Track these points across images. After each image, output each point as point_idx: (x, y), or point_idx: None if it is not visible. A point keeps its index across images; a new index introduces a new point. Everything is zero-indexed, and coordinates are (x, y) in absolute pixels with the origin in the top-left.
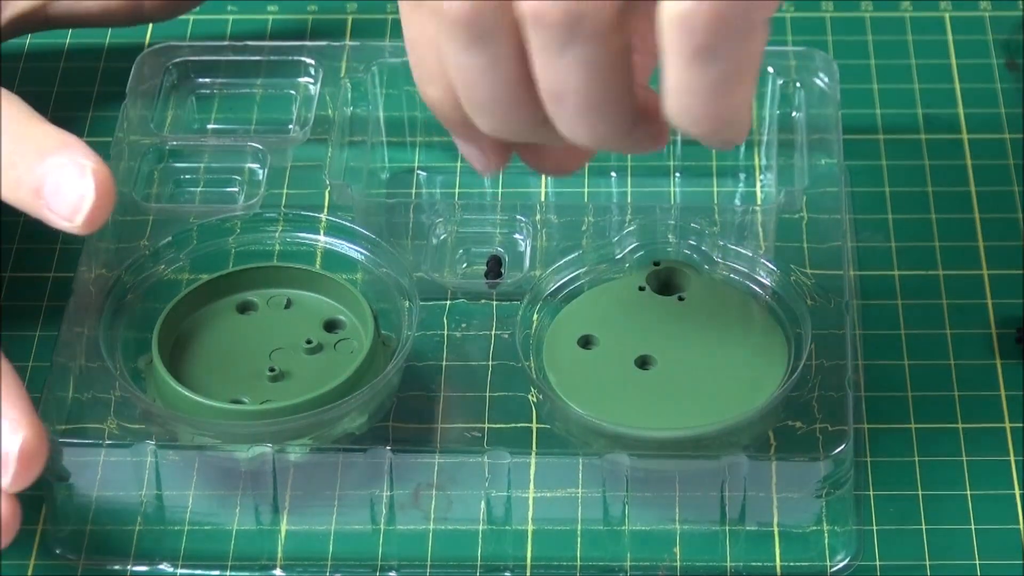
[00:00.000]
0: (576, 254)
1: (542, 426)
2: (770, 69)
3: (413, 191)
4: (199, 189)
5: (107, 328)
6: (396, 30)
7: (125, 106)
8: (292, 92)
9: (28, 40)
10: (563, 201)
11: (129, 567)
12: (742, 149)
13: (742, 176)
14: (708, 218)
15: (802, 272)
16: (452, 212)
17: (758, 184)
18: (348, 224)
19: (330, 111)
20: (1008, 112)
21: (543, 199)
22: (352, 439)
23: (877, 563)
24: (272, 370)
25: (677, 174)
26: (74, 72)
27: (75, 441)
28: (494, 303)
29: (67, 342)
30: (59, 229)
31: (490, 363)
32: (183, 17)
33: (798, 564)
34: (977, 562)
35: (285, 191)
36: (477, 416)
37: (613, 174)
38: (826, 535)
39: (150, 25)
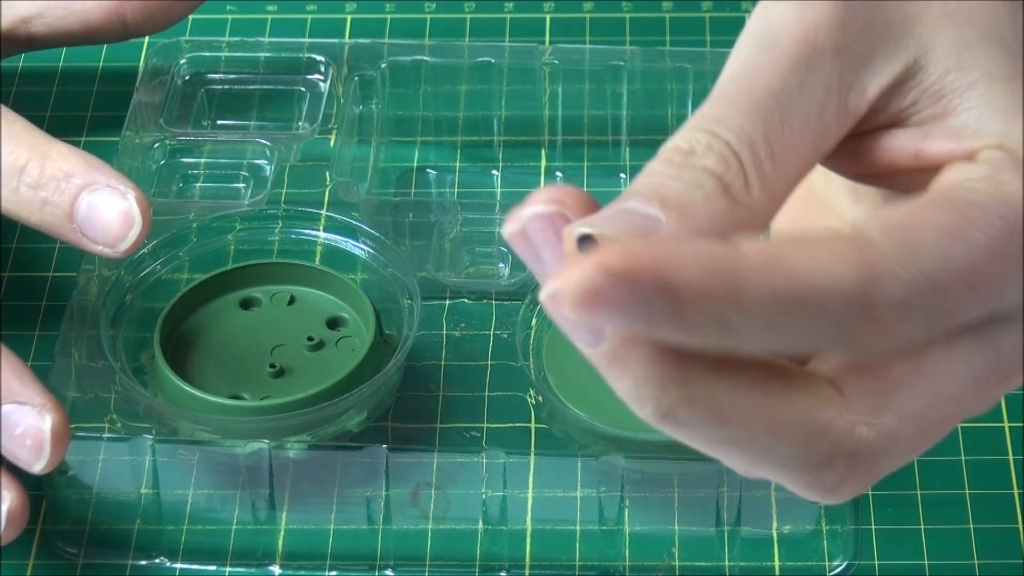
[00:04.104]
0: None
1: (541, 426)
2: None
3: (413, 190)
4: (206, 185)
5: (108, 327)
6: (396, 30)
7: (134, 102)
8: (301, 89)
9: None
10: None
11: (128, 562)
12: None
13: None
14: None
15: None
16: (457, 211)
17: None
18: (350, 221)
19: (338, 109)
20: None
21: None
22: (351, 436)
23: (876, 563)
24: (273, 366)
25: None
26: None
27: (74, 435)
28: (494, 303)
29: (68, 340)
30: (90, 252)
31: (489, 363)
32: None
33: (797, 566)
34: (976, 562)
35: (291, 189)
36: (476, 416)
37: (622, 175)
38: (824, 536)
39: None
